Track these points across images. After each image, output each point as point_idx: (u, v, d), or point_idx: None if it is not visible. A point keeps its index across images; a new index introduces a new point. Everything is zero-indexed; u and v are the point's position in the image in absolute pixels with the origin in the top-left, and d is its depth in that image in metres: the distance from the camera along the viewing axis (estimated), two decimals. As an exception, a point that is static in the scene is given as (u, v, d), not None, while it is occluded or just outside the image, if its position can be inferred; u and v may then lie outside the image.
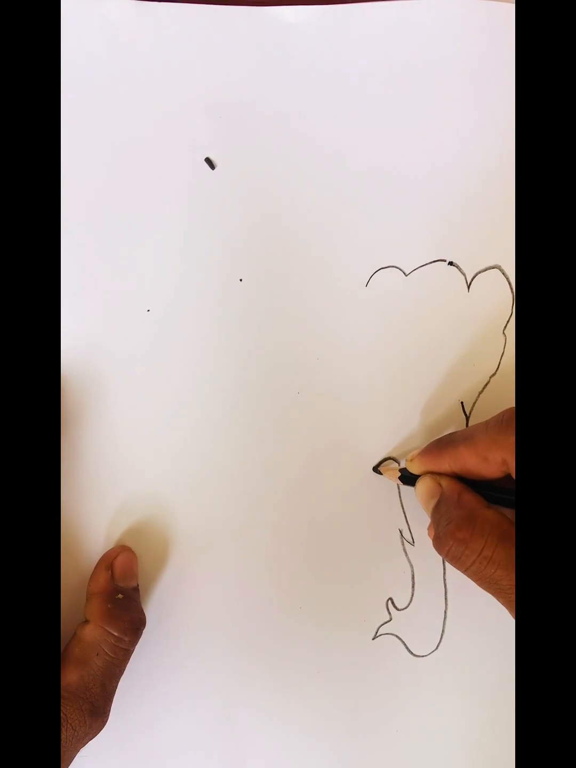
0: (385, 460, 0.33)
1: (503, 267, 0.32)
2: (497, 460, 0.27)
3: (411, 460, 0.30)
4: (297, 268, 0.32)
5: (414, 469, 0.30)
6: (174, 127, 0.32)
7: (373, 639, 0.33)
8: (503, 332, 0.33)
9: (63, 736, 0.28)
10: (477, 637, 0.33)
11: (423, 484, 0.29)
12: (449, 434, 0.29)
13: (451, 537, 0.27)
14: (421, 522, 0.33)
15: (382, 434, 0.33)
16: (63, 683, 0.29)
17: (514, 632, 0.33)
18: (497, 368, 0.33)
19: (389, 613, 0.33)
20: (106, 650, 0.30)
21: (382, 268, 0.32)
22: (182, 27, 0.31)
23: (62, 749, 0.28)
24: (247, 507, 0.33)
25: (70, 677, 0.29)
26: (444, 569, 0.33)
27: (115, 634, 0.30)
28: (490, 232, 0.32)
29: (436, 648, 0.33)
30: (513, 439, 0.26)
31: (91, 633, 0.30)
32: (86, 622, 0.30)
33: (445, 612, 0.33)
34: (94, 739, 0.30)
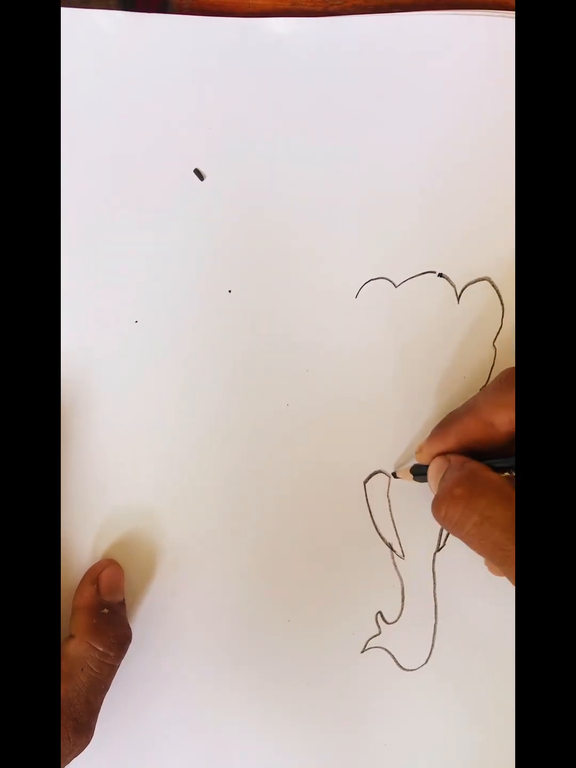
0: (374, 473, 0.33)
1: (493, 279, 0.32)
2: (504, 421, 0.26)
3: (419, 451, 0.29)
4: (286, 280, 0.32)
5: (423, 458, 0.29)
6: (162, 137, 0.32)
7: (362, 652, 0.33)
8: (493, 344, 0.33)
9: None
10: (467, 651, 0.33)
11: (433, 466, 0.28)
12: (450, 413, 0.29)
13: (448, 495, 0.25)
14: (412, 536, 0.33)
15: (372, 446, 0.33)
16: (47, 699, 0.28)
17: (503, 646, 0.33)
18: (488, 379, 0.33)
19: (378, 627, 0.33)
20: (91, 665, 0.29)
21: (372, 280, 0.32)
22: (173, 37, 0.31)
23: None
24: (235, 520, 0.32)
25: (54, 693, 0.29)
26: (434, 583, 0.33)
27: (101, 649, 0.29)
28: (479, 244, 0.32)
29: (426, 662, 0.33)
30: (512, 396, 0.25)
31: (75, 648, 0.29)
32: (71, 637, 0.30)
33: (435, 626, 0.33)
34: (79, 756, 0.29)
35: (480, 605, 0.33)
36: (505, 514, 0.24)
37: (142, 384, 0.32)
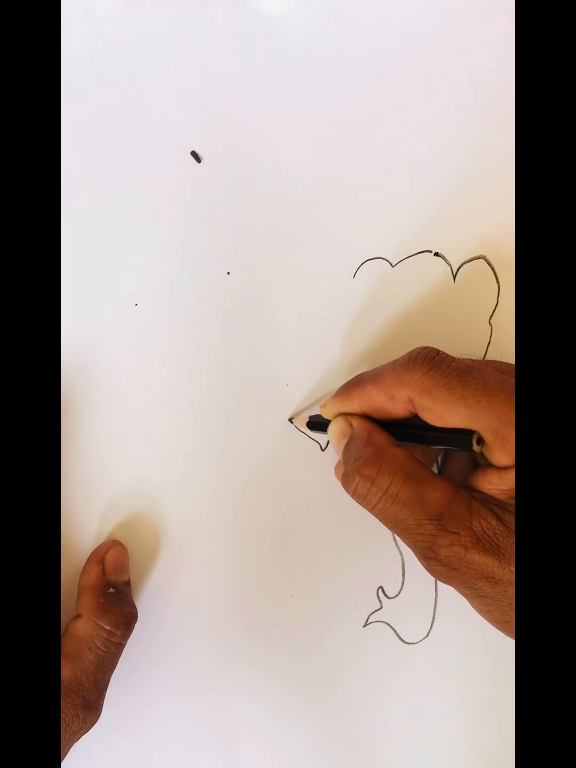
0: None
1: (488, 257, 0.33)
2: (403, 398, 0.26)
3: (324, 405, 0.30)
4: (284, 261, 0.32)
5: (327, 413, 0.30)
6: (159, 120, 0.32)
7: (364, 626, 0.34)
8: (489, 322, 0.33)
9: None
10: (467, 625, 0.34)
11: (335, 425, 0.29)
12: (358, 375, 0.29)
13: (357, 473, 0.26)
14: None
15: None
16: (55, 678, 0.29)
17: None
18: (484, 357, 0.33)
19: (380, 601, 0.33)
20: (98, 644, 0.30)
21: (369, 260, 0.32)
22: (167, 20, 0.31)
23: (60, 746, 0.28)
24: (238, 499, 0.33)
25: (62, 672, 0.29)
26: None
27: (107, 628, 0.30)
28: (475, 223, 0.32)
29: (427, 635, 0.34)
30: (418, 376, 0.26)
31: (83, 627, 0.30)
32: (78, 616, 0.30)
33: (436, 600, 0.34)
34: (87, 734, 0.30)
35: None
36: (407, 492, 0.26)
37: (143, 366, 0.32)
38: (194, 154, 0.32)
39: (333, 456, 0.33)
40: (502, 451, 0.25)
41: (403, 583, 0.33)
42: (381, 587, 0.34)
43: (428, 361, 0.26)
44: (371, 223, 0.32)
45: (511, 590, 0.25)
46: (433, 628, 0.34)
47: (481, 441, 0.25)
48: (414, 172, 0.32)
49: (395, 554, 0.33)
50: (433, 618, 0.34)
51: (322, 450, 0.33)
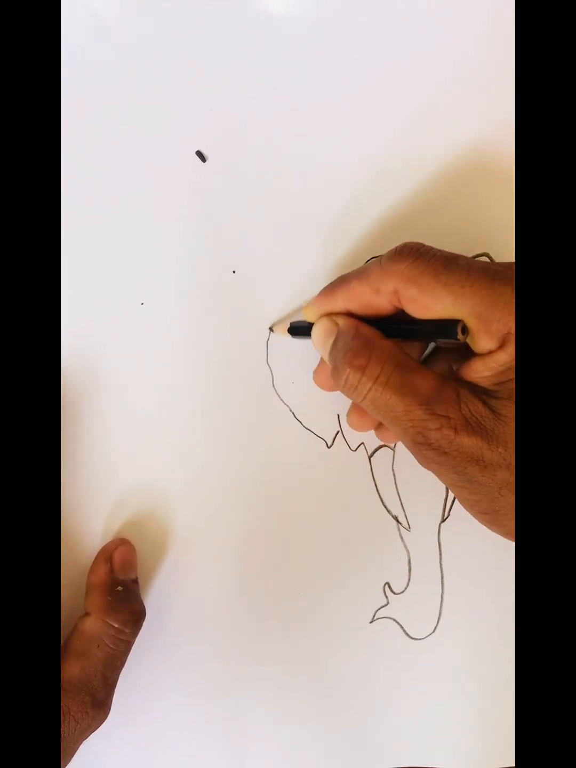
0: (379, 447, 0.33)
1: (491, 254, 0.33)
2: (389, 290, 0.27)
3: (307, 307, 0.30)
4: (289, 259, 0.32)
5: (310, 315, 0.30)
6: (164, 119, 0.32)
7: (371, 623, 0.34)
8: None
9: (66, 729, 0.28)
10: (473, 621, 0.34)
11: (319, 325, 0.29)
12: (341, 275, 0.29)
13: (348, 365, 0.27)
14: (417, 508, 0.33)
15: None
16: (64, 676, 0.29)
17: (508, 614, 0.34)
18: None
19: (386, 597, 0.34)
20: (106, 642, 0.30)
21: (373, 258, 0.33)
22: (169, 17, 0.31)
23: (65, 742, 0.29)
24: (244, 496, 0.33)
25: (71, 670, 0.29)
26: (440, 554, 0.34)
27: (116, 625, 0.30)
28: (478, 220, 0.33)
29: (434, 631, 0.34)
30: (404, 266, 0.26)
31: (91, 625, 0.30)
32: (86, 614, 0.30)
33: (442, 596, 0.34)
34: (96, 731, 0.30)
35: (485, 574, 0.34)
36: (397, 380, 0.26)
37: (150, 365, 0.32)
38: (199, 154, 0.32)
39: (340, 452, 0.33)
40: (486, 336, 0.25)
41: (409, 579, 0.34)
42: (387, 583, 0.34)
43: (414, 253, 0.26)
44: (375, 220, 0.32)
45: (500, 474, 0.25)
46: (439, 623, 0.34)
47: (465, 330, 0.25)
48: (415, 172, 0.32)
49: (401, 550, 0.34)
50: (440, 614, 0.34)
51: (329, 447, 0.33)
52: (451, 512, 0.33)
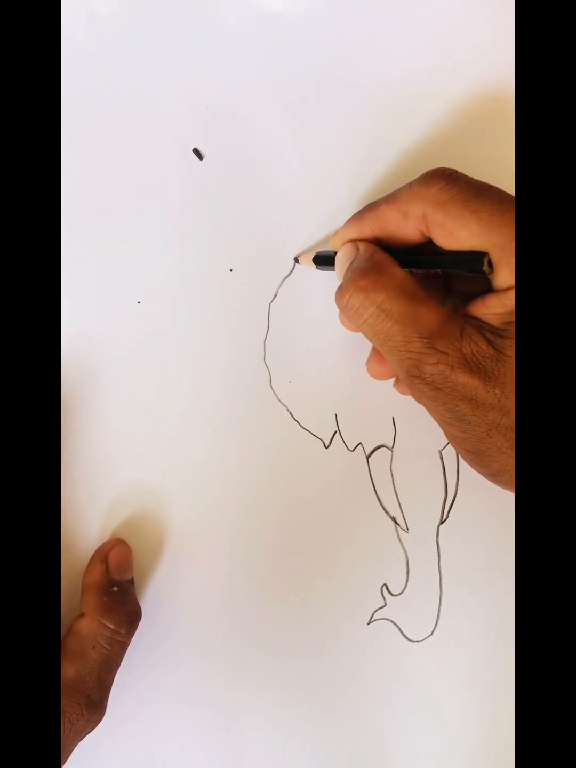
0: (377, 448, 0.33)
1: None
2: (417, 213, 0.26)
3: (335, 235, 0.30)
4: (287, 257, 0.32)
5: (336, 242, 0.29)
6: (161, 118, 0.32)
7: (368, 624, 0.33)
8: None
9: (61, 730, 0.28)
10: (472, 623, 0.34)
11: (342, 252, 0.28)
12: (370, 202, 0.29)
13: (352, 284, 0.26)
14: (415, 509, 0.33)
15: (376, 424, 0.33)
16: (59, 677, 0.29)
17: (507, 616, 0.34)
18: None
19: (384, 599, 0.33)
20: (102, 643, 0.30)
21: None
22: (168, 16, 0.31)
23: (60, 743, 0.28)
24: (241, 497, 0.33)
25: (66, 671, 0.29)
26: (438, 555, 0.33)
27: (111, 626, 0.30)
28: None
29: (432, 633, 0.34)
30: (434, 190, 0.26)
31: (87, 626, 0.30)
32: (82, 615, 0.30)
33: (440, 597, 0.34)
34: (91, 733, 0.30)
35: (484, 576, 0.33)
36: (401, 308, 0.25)
37: (147, 364, 0.32)
38: (196, 152, 0.32)
39: (338, 452, 0.33)
40: (507, 270, 0.25)
41: (407, 581, 0.33)
42: (385, 585, 0.33)
43: (446, 177, 0.26)
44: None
45: (492, 414, 0.25)
46: (437, 625, 0.34)
47: (491, 264, 0.25)
48: (416, 171, 0.32)
49: (399, 552, 0.33)
50: (438, 615, 0.34)
51: (326, 447, 0.33)
52: (450, 514, 0.33)
